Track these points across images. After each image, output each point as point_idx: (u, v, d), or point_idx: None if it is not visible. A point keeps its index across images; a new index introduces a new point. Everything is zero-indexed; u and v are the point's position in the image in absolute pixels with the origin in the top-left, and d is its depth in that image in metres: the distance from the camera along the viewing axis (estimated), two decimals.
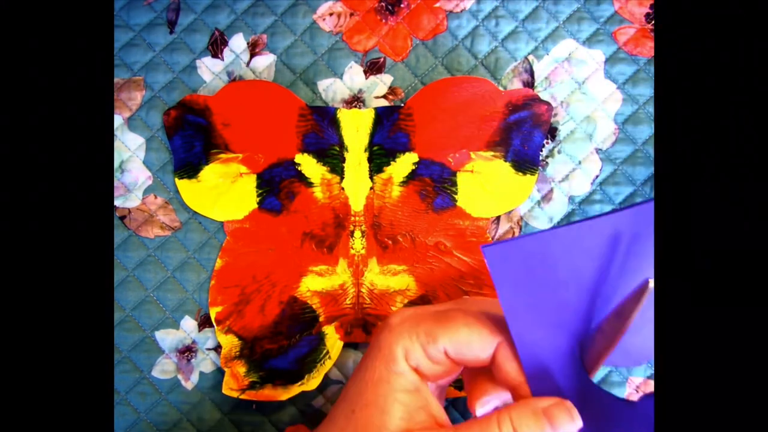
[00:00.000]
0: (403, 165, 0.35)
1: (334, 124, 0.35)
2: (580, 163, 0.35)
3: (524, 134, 0.34)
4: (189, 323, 0.35)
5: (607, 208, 0.35)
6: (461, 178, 0.35)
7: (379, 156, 0.35)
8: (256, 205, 0.35)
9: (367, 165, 0.35)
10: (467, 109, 0.34)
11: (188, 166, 0.35)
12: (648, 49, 0.35)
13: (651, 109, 0.35)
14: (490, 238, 0.35)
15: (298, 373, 0.34)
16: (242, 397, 0.34)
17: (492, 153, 0.34)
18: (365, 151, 0.35)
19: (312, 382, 0.34)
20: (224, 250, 0.35)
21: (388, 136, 0.35)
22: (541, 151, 0.35)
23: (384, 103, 0.36)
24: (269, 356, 0.34)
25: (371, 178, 0.35)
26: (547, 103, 0.34)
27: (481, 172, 0.35)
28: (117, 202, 0.36)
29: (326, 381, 0.35)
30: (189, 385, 0.35)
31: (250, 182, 0.35)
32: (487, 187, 0.35)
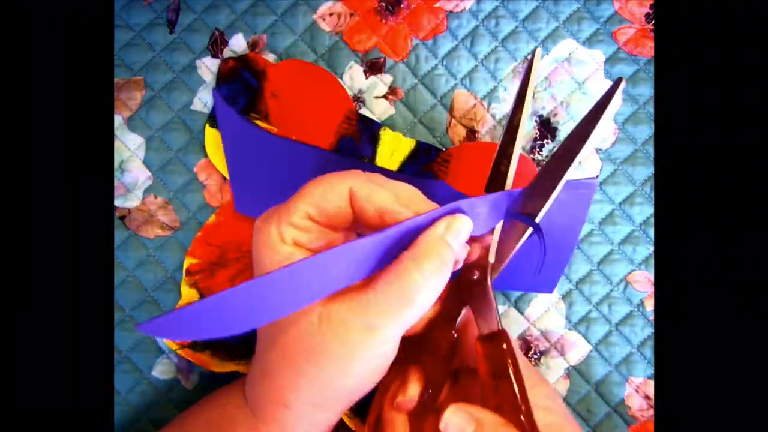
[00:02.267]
0: None
1: (374, 139, 0.35)
2: (580, 163, 0.35)
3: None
4: None
5: (608, 208, 0.35)
6: None
7: None
8: None
9: None
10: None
11: None
12: (648, 49, 0.35)
13: (651, 109, 0.35)
14: None
15: (240, 352, 0.34)
16: (179, 352, 0.34)
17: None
18: None
19: (248, 368, 0.34)
20: (223, 208, 0.35)
21: (419, 171, 0.35)
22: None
23: (384, 102, 0.36)
24: None
25: None
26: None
27: None
28: (117, 202, 0.36)
29: None
30: (189, 385, 0.35)
31: None
32: None
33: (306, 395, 0.25)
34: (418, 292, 0.24)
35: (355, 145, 0.35)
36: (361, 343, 0.24)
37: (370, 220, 0.25)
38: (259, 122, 0.35)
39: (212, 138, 0.35)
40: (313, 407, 0.26)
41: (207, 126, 0.35)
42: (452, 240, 0.25)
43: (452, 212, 0.25)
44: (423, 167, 0.35)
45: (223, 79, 0.35)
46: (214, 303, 0.20)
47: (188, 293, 0.35)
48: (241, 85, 0.35)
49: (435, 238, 0.25)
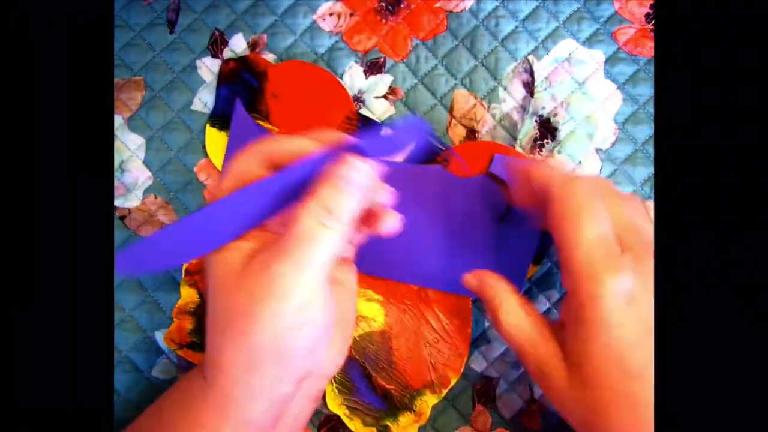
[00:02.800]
0: None
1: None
2: (580, 163, 0.35)
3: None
4: None
5: None
6: None
7: None
8: None
9: None
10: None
11: (224, 118, 0.35)
12: (648, 49, 0.35)
13: (651, 109, 0.35)
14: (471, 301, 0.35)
15: None
16: (178, 353, 0.34)
17: None
18: None
19: None
20: None
21: None
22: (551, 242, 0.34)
23: (384, 102, 0.36)
24: None
25: None
26: None
27: None
28: (117, 202, 0.36)
29: None
30: None
31: None
32: None
33: (232, 356, 0.25)
34: (311, 233, 0.24)
35: None
36: (264, 292, 0.24)
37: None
38: (259, 122, 0.35)
39: (212, 138, 0.35)
40: (244, 370, 0.25)
41: (207, 126, 0.35)
42: (344, 183, 0.25)
43: (356, 150, 0.26)
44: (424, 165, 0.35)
45: (223, 80, 0.35)
46: (163, 235, 0.25)
47: (188, 293, 0.35)
48: (242, 86, 0.35)
49: (327, 182, 0.25)
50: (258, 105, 0.35)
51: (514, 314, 0.28)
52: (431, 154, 0.34)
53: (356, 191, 0.25)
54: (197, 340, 0.34)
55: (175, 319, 0.35)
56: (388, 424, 0.33)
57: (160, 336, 0.35)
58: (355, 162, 0.25)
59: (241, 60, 0.35)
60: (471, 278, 0.31)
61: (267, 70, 0.35)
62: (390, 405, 0.34)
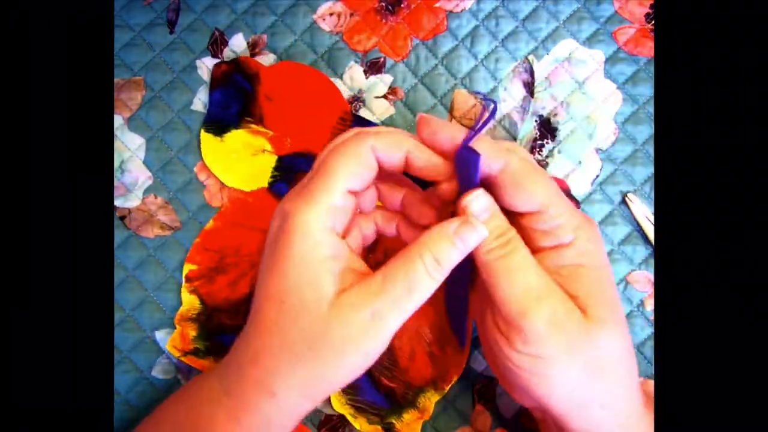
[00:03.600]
0: None
1: None
2: (580, 163, 0.35)
3: None
4: None
5: (607, 208, 0.35)
6: None
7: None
8: (266, 185, 0.35)
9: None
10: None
11: (218, 123, 0.35)
12: (648, 49, 0.35)
13: (651, 109, 0.35)
14: None
15: None
16: (182, 359, 0.34)
17: None
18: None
19: None
20: (221, 214, 0.35)
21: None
22: None
23: (384, 102, 0.36)
24: (222, 331, 0.34)
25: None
26: (576, 201, 0.35)
27: None
28: (117, 202, 0.36)
29: None
30: None
31: (270, 161, 0.35)
32: None
33: (298, 384, 0.25)
34: (420, 283, 0.24)
35: None
36: (366, 332, 0.24)
37: (394, 168, 0.27)
38: (253, 126, 0.35)
39: (208, 144, 0.35)
40: (301, 398, 0.25)
41: (202, 132, 0.35)
42: (459, 243, 0.25)
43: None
44: None
45: (216, 83, 0.35)
46: None
47: (189, 299, 0.35)
48: (235, 89, 0.35)
49: (444, 234, 0.25)
50: (251, 108, 0.35)
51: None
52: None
53: (466, 251, 0.25)
54: (200, 346, 0.34)
55: (177, 326, 0.35)
56: (393, 421, 0.34)
57: (160, 336, 0.35)
58: (477, 225, 0.25)
59: (233, 63, 0.35)
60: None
61: (259, 73, 0.35)
62: (393, 403, 0.34)
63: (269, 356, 0.25)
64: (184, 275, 0.35)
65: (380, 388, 0.34)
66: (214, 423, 0.26)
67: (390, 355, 0.34)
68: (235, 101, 0.35)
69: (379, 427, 0.34)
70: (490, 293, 0.25)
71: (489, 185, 0.27)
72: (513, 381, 0.26)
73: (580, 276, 0.26)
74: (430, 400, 0.34)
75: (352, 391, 0.34)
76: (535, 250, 0.26)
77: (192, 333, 0.34)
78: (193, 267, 0.35)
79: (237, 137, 0.35)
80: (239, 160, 0.35)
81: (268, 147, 0.35)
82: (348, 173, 0.26)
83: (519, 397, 0.28)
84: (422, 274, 0.24)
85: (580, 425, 0.25)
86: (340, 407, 0.34)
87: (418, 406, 0.34)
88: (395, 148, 0.26)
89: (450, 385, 0.34)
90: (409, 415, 0.34)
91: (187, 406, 0.28)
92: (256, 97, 0.35)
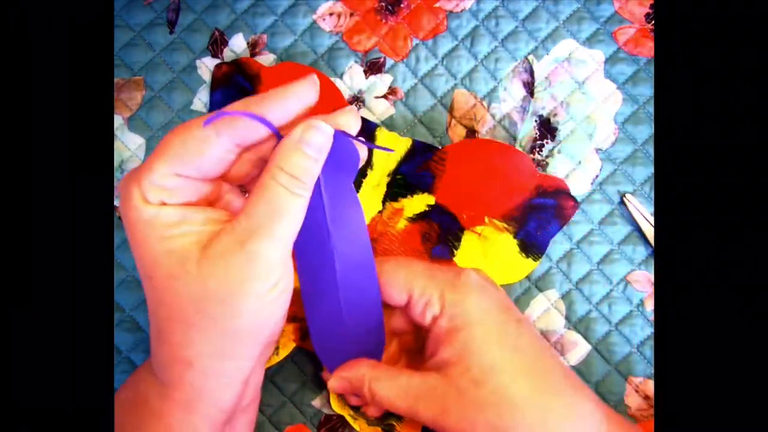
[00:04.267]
0: (419, 203, 0.35)
1: (370, 139, 0.35)
2: (580, 163, 0.35)
3: (542, 220, 0.34)
4: None
5: (607, 208, 0.35)
6: (467, 236, 0.34)
7: (400, 186, 0.35)
8: None
9: (385, 189, 0.35)
10: (499, 176, 0.34)
11: None
12: (648, 49, 0.35)
13: (651, 109, 0.35)
14: None
15: None
16: None
17: (505, 225, 0.34)
18: (388, 175, 0.35)
19: None
20: None
21: (416, 171, 0.35)
22: (551, 240, 0.34)
23: (384, 102, 0.36)
24: None
25: (383, 202, 0.35)
26: (575, 200, 0.34)
27: (488, 238, 0.34)
28: (117, 202, 0.36)
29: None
30: None
31: None
32: (487, 253, 0.34)
33: (205, 347, 0.24)
34: (283, 203, 0.24)
35: None
36: (244, 274, 0.24)
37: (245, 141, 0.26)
38: None
39: None
40: (217, 358, 0.25)
41: None
42: (308, 148, 0.25)
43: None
44: (419, 166, 0.35)
45: (217, 84, 0.35)
46: None
47: None
48: (236, 90, 0.35)
49: (290, 146, 0.25)
50: None
51: (389, 383, 0.28)
52: (425, 156, 0.34)
53: (319, 155, 0.25)
54: None
55: None
56: (393, 422, 0.33)
57: None
58: (316, 123, 0.25)
59: (234, 63, 0.35)
60: (334, 382, 0.30)
61: (260, 73, 0.35)
62: None
63: (168, 331, 0.25)
64: None
65: None
66: (150, 403, 0.26)
67: None
68: (236, 101, 0.35)
69: (378, 429, 0.34)
70: None
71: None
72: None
73: (457, 341, 0.27)
74: None
75: None
76: (425, 334, 0.29)
77: None
78: None
79: None
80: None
81: None
82: (173, 156, 0.25)
83: None
84: (283, 194, 0.24)
85: None
86: (340, 408, 0.34)
87: None
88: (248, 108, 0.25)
89: None
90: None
91: (126, 398, 0.27)
92: None
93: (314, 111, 0.35)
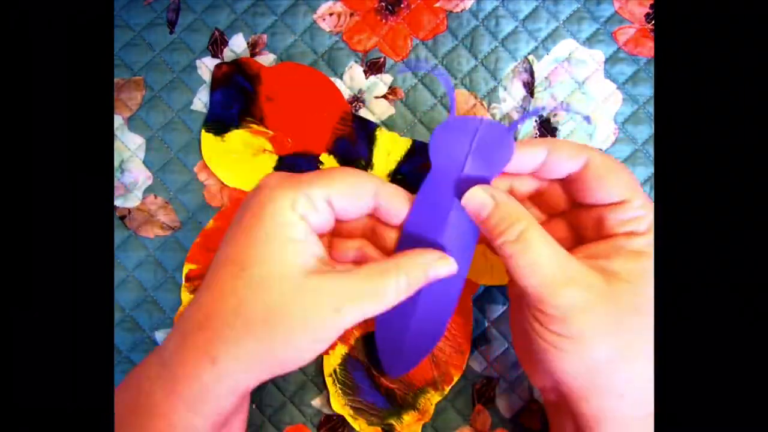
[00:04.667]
0: None
1: (370, 139, 0.35)
2: None
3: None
4: None
5: None
6: None
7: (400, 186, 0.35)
8: None
9: None
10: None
11: (219, 123, 0.35)
12: (648, 49, 0.35)
13: (651, 109, 0.35)
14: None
15: None
16: None
17: None
18: (388, 176, 0.35)
19: None
20: (221, 213, 0.35)
21: (416, 170, 0.35)
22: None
23: (384, 102, 0.36)
24: None
25: None
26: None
27: (488, 250, 0.34)
28: (117, 202, 0.36)
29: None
30: None
31: (270, 161, 0.35)
32: (488, 253, 0.34)
33: (242, 354, 0.25)
34: (386, 295, 0.26)
35: (351, 146, 0.35)
36: (323, 320, 0.25)
37: (389, 214, 0.28)
38: (254, 126, 0.35)
39: (209, 144, 0.35)
40: (244, 371, 0.25)
41: (203, 132, 0.35)
42: (431, 274, 0.27)
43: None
44: (420, 166, 0.35)
45: (217, 84, 0.35)
46: None
47: (189, 299, 0.35)
48: (236, 90, 0.35)
49: (422, 263, 0.27)
50: (252, 108, 0.35)
51: (548, 248, 0.26)
52: (426, 156, 0.34)
53: (434, 279, 0.27)
54: None
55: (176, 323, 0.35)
56: (393, 422, 0.34)
57: (160, 336, 0.35)
58: (451, 263, 0.27)
59: (234, 63, 0.35)
60: (481, 192, 0.27)
61: (260, 73, 0.35)
62: (394, 404, 0.34)
63: (219, 321, 0.25)
64: (184, 275, 0.35)
65: (380, 389, 0.34)
66: (153, 399, 0.25)
67: None
68: (236, 101, 0.35)
69: (378, 429, 0.34)
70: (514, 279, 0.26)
71: (567, 181, 0.28)
72: (539, 356, 0.26)
73: (640, 264, 0.26)
74: (431, 401, 0.34)
75: (351, 392, 0.34)
76: (606, 235, 0.27)
77: None
78: (193, 267, 0.35)
79: (238, 137, 0.35)
80: (240, 160, 0.35)
81: (269, 147, 0.35)
82: (336, 186, 0.27)
83: (540, 376, 0.29)
84: (391, 290, 0.26)
85: (592, 412, 0.25)
86: (340, 408, 0.34)
87: (419, 408, 0.34)
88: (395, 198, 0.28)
89: (450, 386, 0.34)
90: (409, 417, 0.34)
91: (126, 388, 0.27)
92: (256, 98, 0.35)
93: (314, 111, 0.35)
